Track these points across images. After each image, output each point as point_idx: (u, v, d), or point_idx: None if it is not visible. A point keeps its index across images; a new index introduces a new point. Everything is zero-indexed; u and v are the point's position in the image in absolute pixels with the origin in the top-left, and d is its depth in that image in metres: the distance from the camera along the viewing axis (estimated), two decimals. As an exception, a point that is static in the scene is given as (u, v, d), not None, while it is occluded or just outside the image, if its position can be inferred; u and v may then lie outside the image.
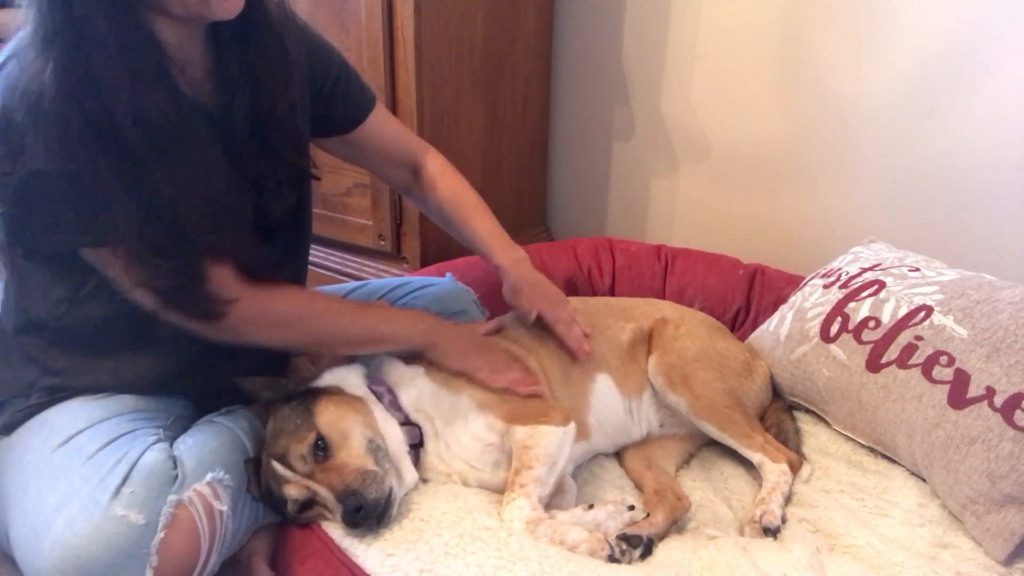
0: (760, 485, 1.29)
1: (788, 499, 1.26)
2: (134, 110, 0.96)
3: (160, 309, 1.07)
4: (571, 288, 1.85)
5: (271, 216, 1.22)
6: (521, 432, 1.16)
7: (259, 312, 1.15)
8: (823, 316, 1.44)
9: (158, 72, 1.00)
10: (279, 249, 1.29)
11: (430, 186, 1.45)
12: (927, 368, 1.26)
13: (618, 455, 1.41)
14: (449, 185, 1.45)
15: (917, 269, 1.43)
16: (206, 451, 1.10)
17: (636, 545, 1.09)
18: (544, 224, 2.48)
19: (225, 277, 1.11)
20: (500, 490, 1.15)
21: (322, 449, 1.09)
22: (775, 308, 1.63)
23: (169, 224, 1.02)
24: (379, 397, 1.22)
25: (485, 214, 1.45)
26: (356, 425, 1.13)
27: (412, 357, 1.29)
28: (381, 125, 1.42)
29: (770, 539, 1.16)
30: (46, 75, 0.92)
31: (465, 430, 1.20)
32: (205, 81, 1.12)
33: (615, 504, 1.16)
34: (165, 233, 1.02)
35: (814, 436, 1.45)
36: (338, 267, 2.07)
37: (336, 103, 1.34)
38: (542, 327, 1.39)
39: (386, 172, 1.50)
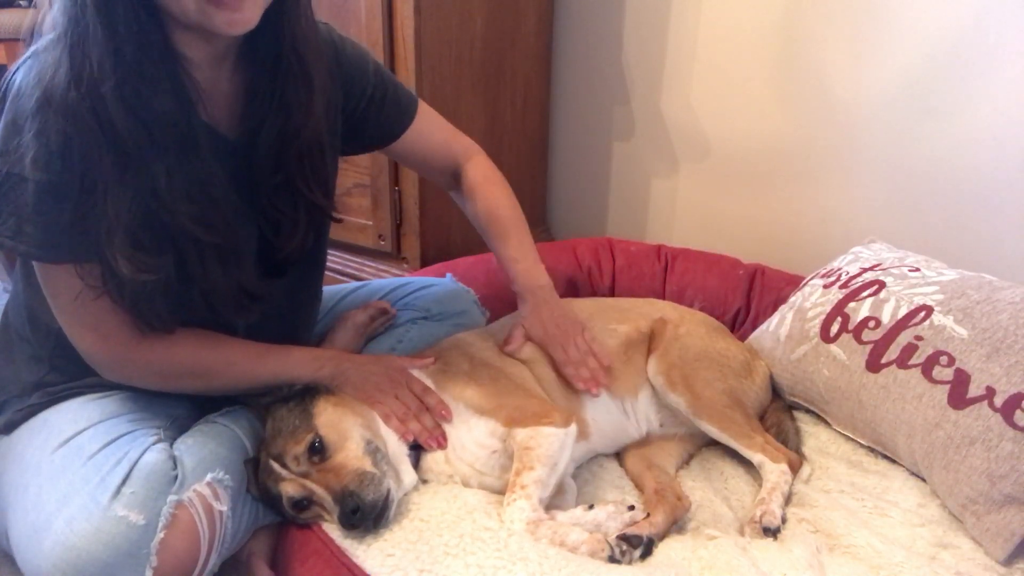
0: (760, 485, 1.29)
1: (788, 499, 1.26)
2: (136, 108, 0.95)
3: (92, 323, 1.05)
4: (571, 288, 1.85)
5: (284, 253, 1.19)
6: (522, 434, 1.16)
7: (155, 362, 1.12)
8: (823, 316, 1.44)
9: (169, 79, 0.98)
10: (295, 279, 1.27)
11: (468, 195, 1.44)
12: (927, 368, 1.26)
13: (618, 455, 1.41)
14: (483, 199, 1.42)
15: (917, 269, 1.43)
16: (206, 451, 1.10)
17: (636, 545, 1.09)
18: (544, 224, 2.48)
19: (124, 325, 1.07)
20: (501, 491, 1.14)
21: (319, 450, 1.09)
22: (775, 308, 1.63)
23: (159, 225, 1.00)
24: None
25: (514, 234, 1.41)
26: (355, 427, 1.13)
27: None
28: (421, 134, 1.38)
29: (770, 539, 1.16)
30: (60, 68, 0.92)
31: (469, 436, 1.20)
32: (228, 108, 1.10)
33: (615, 504, 1.16)
34: (152, 234, 1.00)
35: (814, 436, 1.45)
36: (338, 267, 2.07)
37: (368, 123, 1.31)
38: None
39: (426, 174, 1.49)
